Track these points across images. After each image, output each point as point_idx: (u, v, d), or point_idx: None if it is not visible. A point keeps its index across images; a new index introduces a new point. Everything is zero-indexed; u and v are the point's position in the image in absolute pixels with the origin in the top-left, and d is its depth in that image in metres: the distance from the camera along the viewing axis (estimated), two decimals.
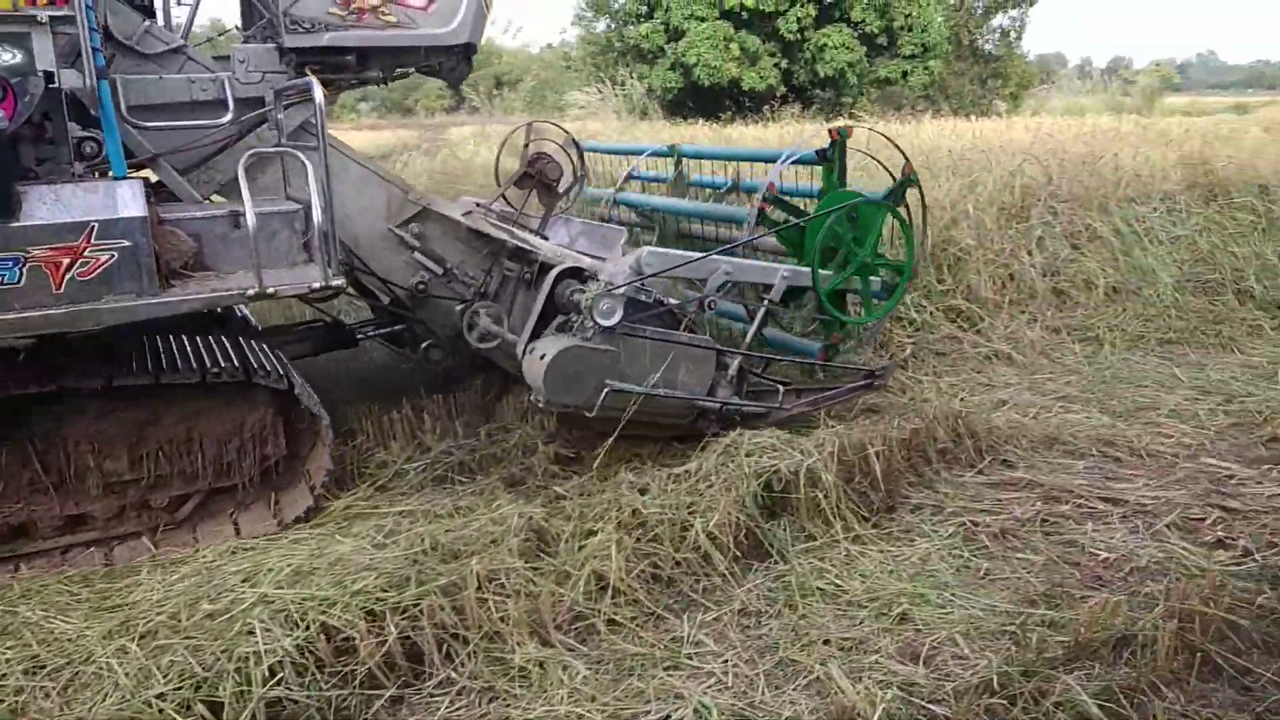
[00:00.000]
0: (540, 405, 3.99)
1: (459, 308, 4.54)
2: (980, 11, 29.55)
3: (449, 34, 4.52)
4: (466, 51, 4.72)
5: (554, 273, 4.18)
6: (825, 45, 23.55)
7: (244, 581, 3.19)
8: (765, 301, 4.56)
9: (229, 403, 3.79)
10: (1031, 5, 29.14)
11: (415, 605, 2.97)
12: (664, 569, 3.37)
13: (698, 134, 12.93)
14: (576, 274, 4.18)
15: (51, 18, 3.37)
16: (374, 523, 3.71)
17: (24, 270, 3.27)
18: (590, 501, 3.71)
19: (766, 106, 19.37)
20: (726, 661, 2.93)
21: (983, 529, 3.71)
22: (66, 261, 3.34)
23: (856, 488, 3.88)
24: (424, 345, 4.79)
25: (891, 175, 5.05)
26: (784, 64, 24.17)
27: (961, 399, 4.91)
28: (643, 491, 3.71)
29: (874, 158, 5.33)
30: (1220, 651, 2.77)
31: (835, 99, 24.40)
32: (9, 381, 3.46)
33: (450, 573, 3.14)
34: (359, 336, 5.14)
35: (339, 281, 3.86)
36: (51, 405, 3.55)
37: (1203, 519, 3.70)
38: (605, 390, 3.90)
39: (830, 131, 4.80)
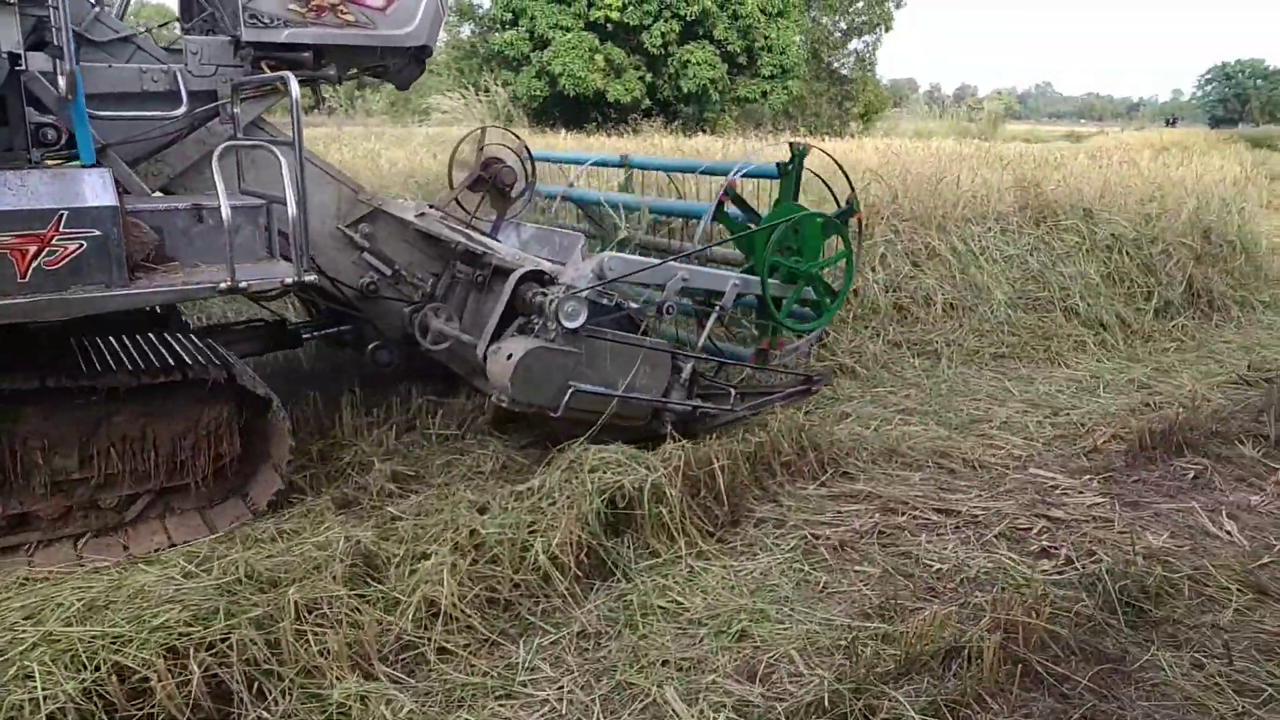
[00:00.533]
0: (504, 405, 4.00)
1: (408, 310, 4.56)
2: (838, 35, 30.69)
3: (406, 35, 4.50)
4: (420, 54, 4.68)
5: (515, 275, 4.18)
6: (688, 61, 23.92)
7: (27, 619, 2.87)
8: (717, 308, 4.61)
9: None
10: (887, 31, 30.50)
11: (224, 640, 2.74)
12: (501, 592, 3.23)
13: (559, 143, 12.84)
14: (537, 277, 4.22)
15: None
16: (184, 549, 3.42)
17: None
18: (426, 522, 3.53)
19: (631, 118, 19.47)
20: (562, 688, 2.83)
21: (823, 542, 3.73)
22: (33, 250, 3.17)
23: (701, 502, 3.85)
24: (371, 346, 4.76)
25: (834, 196, 5.24)
26: (649, 78, 24.41)
27: (806, 412, 4.97)
28: (482, 510, 3.57)
29: (819, 176, 5.35)
30: (1041, 660, 2.85)
31: (699, 115, 24.82)
32: None
33: (266, 603, 2.91)
34: (304, 336, 4.97)
35: (311, 277, 3.72)
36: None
37: (1029, 528, 3.84)
38: (570, 390, 3.97)
39: (791, 144, 4.94)
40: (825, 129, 25.08)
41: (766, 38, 25.19)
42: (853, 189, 5.18)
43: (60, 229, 3.19)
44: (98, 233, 3.24)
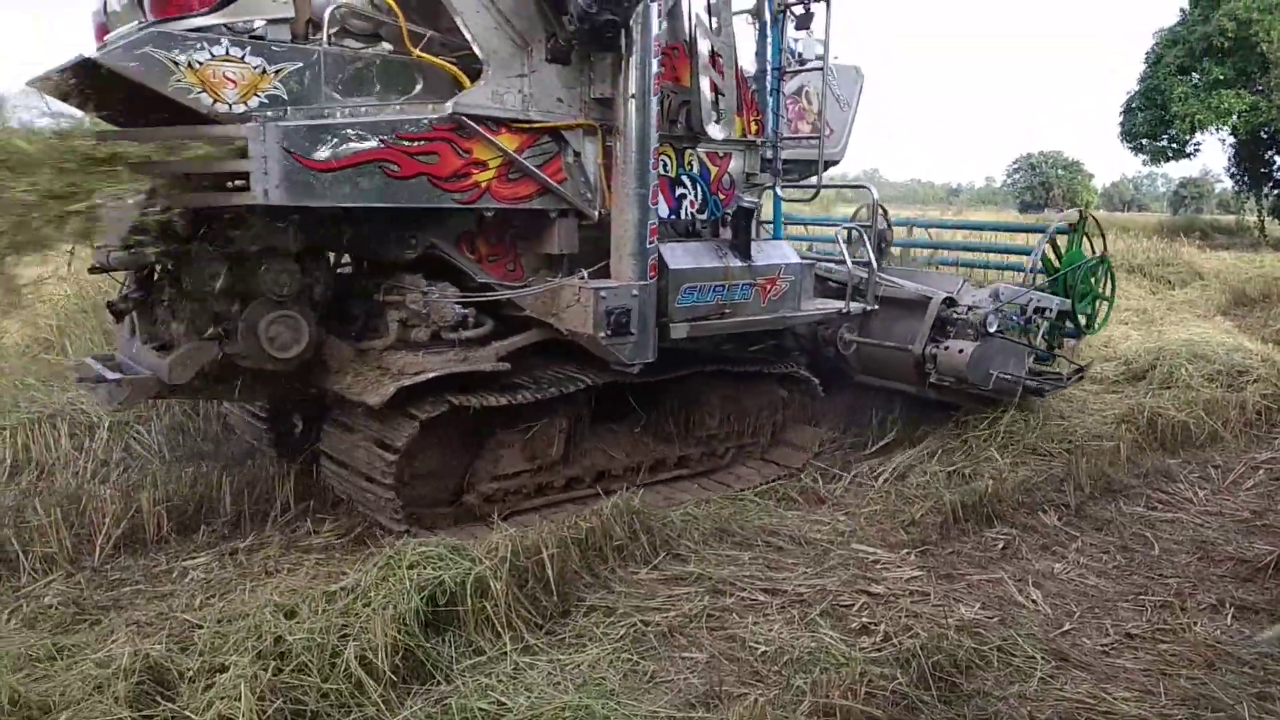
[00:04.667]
0: (945, 384, 5.79)
1: (827, 330, 6.16)
2: None
3: (836, 153, 6.60)
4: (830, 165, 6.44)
5: (939, 299, 5.93)
6: None
7: None
8: (1046, 320, 6.65)
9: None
10: None
11: None
12: (308, 703, 3.02)
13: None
14: (950, 301, 5.97)
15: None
16: None
17: (753, 291, 5.17)
18: (227, 630, 3.28)
19: None
20: None
21: (652, 628, 3.69)
22: (770, 287, 5.25)
23: (529, 593, 3.74)
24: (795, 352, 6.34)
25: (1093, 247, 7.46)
26: None
27: (641, 496, 4.96)
28: (290, 615, 3.34)
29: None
30: None
31: None
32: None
33: None
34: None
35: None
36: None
37: (851, 605, 3.92)
38: (993, 375, 5.66)
39: (1080, 211, 7.35)
40: None
41: None
42: (1105, 245, 7.60)
43: (780, 276, 5.26)
44: (793, 278, 5.33)
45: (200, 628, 3.36)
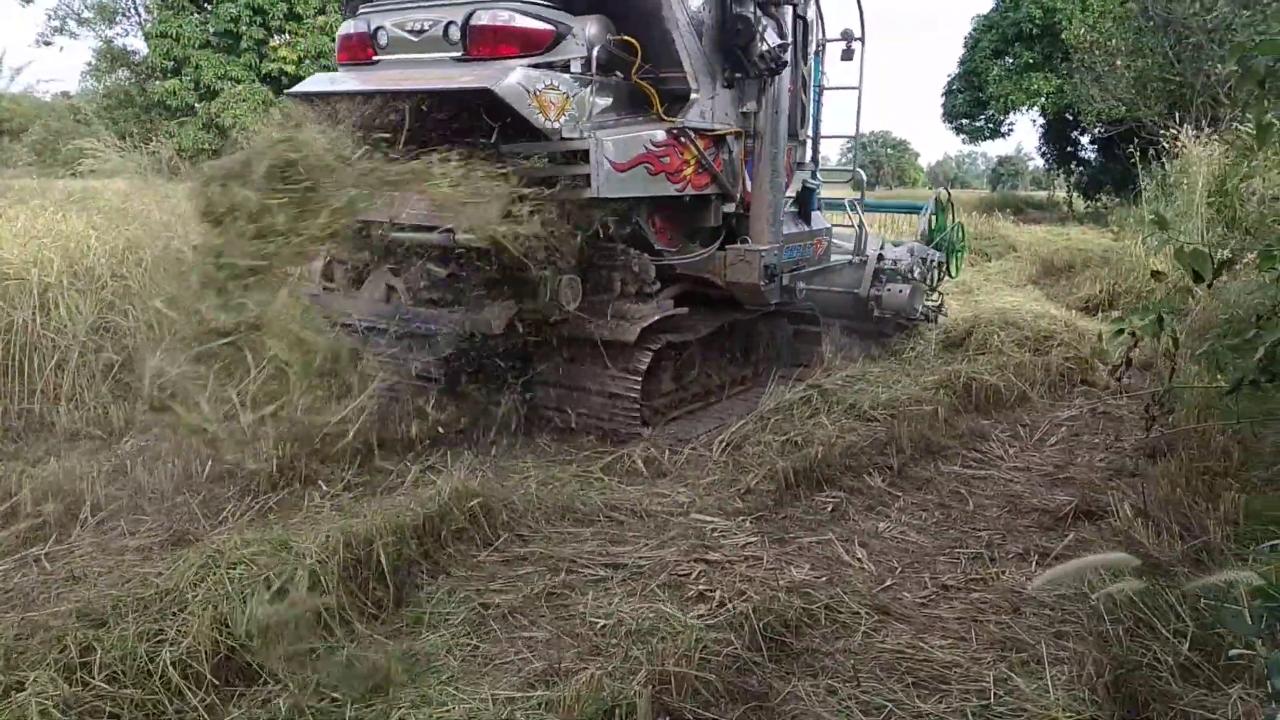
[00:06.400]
0: (885, 317, 7.76)
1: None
2: None
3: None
4: None
5: (874, 255, 7.81)
6: None
7: None
8: (930, 268, 9.14)
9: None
10: None
11: None
12: (122, 716, 2.85)
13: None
14: (880, 257, 7.88)
15: None
16: None
17: (812, 248, 7.16)
18: (27, 644, 3.04)
19: None
20: None
21: (492, 611, 3.67)
22: (820, 245, 7.37)
23: (362, 584, 3.65)
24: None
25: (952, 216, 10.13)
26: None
27: (481, 477, 4.90)
28: (99, 624, 3.13)
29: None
30: (692, 709, 2.96)
31: None
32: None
33: None
34: None
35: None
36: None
37: (688, 574, 4.01)
38: (918, 308, 8.07)
39: (945, 191, 10.51)
40: None
41: None
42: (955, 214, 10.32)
43: (824, 236, 7.53)
44: (829, 239, 7.63)
45: None
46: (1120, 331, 3.66)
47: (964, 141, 36.64)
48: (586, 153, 4.99)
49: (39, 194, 11.34)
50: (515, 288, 5.23)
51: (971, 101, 31.10)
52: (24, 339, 5.76)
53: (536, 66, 4.90)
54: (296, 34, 22.22)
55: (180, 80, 22.17)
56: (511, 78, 4.73)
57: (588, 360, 5.71)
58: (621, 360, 5.62)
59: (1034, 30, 27.95)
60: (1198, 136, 11.01)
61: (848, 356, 7.52)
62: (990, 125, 32.54)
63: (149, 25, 23.81)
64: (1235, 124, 11.55)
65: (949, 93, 32.60)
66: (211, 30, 22.33)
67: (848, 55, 7.27)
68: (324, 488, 4.68)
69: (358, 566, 3.68)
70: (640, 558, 4.16)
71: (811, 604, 3.68)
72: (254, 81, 22.09)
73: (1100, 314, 10.37)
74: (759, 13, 5.84)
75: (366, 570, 3.70)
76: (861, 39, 7.25)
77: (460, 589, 3.84)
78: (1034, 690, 3.13)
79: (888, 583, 4.01)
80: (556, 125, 4.91)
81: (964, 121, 32.75)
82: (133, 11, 27.48)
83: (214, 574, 3.32)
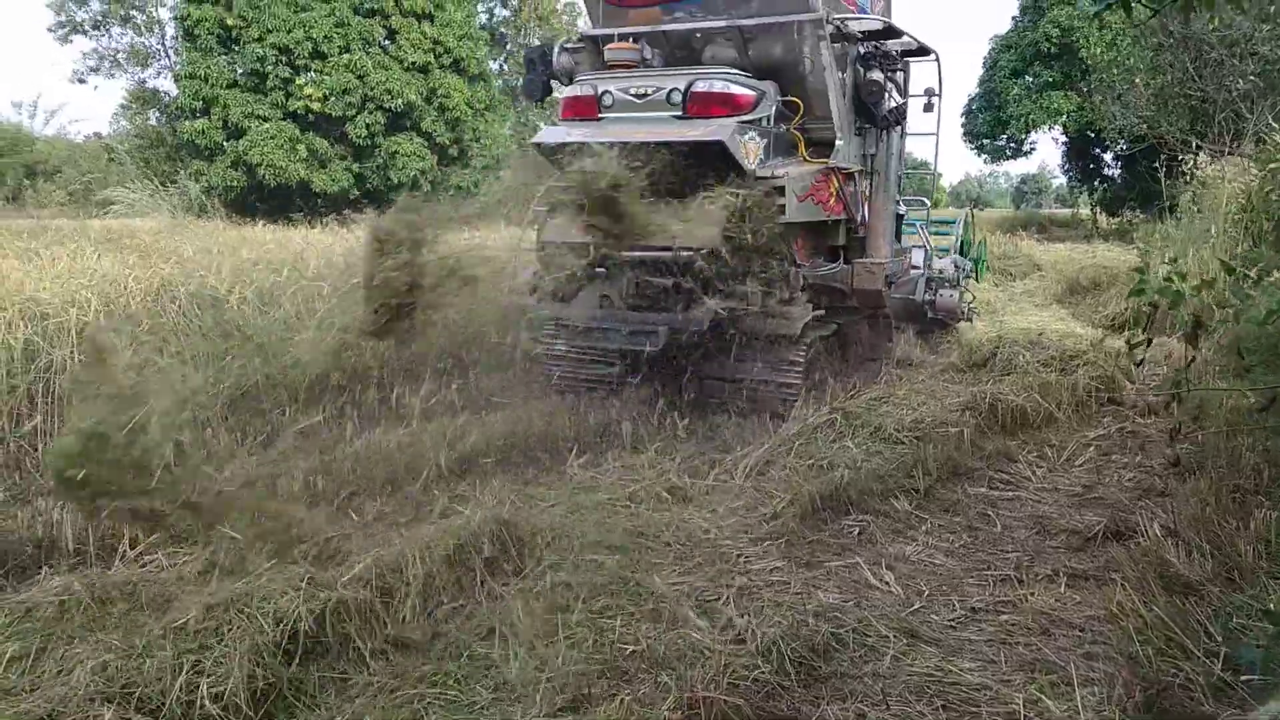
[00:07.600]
0: (938, 318, 9.68)
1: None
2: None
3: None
4: None
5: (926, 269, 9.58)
6: (397, 152, 23.80)
7: None
8: (965, 276, 10.86)
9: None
10: None
11: None
12: None
13: (260, 235, 12.18)
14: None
15: None
16: None
17: (901, 263, 8.86)
18: (64, 687, 3.11)
19: (346, 212, 19.00)
20: None
21: (522, 638, 3.69)
22: (906, 259, 9.10)
23: (394, 616, 3.70)
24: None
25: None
26: (355, 167, 23.99)
27: (509, 505, 4.96)
28: (135, 654, 3.20)
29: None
30: None
31: None
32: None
33: None
34: None
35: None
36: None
37: (716, 599, 4.03)
38: (964, 310, 10.09)
39: (971, 210, 12.23)
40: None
41: (475, 129, 25.67)
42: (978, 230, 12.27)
43: (909, 253, 9.44)
44: (908, 254, 9.32)
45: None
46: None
47: (985, 161, 36.51)
48: (783, 188, 6.31)
49: (75, 235, 11.62)
50: (715, 292, 6.23)
51: (992, 121, 31.07)
52: (63, 377, 5.90)
53: (742, 123, 6.25)
54: (322, 71, 22.65)
55: (209, 120, 22.64)
56: (732, 132, 6.07)
57: (746, 356, 6.83)
58: (782, 351, 6.78)
59: (1052, 49, 27.95)
60: (1222, 152, 10.96)
61: (908, 344, 9.10)
62: (1012, 144, 32.49)
63: (178, 68, 24.38)
64: (1261, 137, 11.48)
65: (969, 113, 32.60)
66: (239, 70, 22.82)
67: (929, 108, 8.35)
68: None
69: (390, 596, 3.73)
70: (668, 584, 4.18)
71: (840, 628, 3.69)
72: (281, 119, 22.51)
73: (1127, 331, 10.29)
74: (885, 78, 7.17)
75: (398, 601, 3.75)
76: (939, 94, 8.36)
77: (488, 621, 3.87)
78: (1064, 712, 3.12)
79: (916, 606, 4.01)
80: (754, 167, 6.25)
81: (985, 141, 32.72)
82: (162, 55, 28.19)
83: (245, 609, 3.38)
